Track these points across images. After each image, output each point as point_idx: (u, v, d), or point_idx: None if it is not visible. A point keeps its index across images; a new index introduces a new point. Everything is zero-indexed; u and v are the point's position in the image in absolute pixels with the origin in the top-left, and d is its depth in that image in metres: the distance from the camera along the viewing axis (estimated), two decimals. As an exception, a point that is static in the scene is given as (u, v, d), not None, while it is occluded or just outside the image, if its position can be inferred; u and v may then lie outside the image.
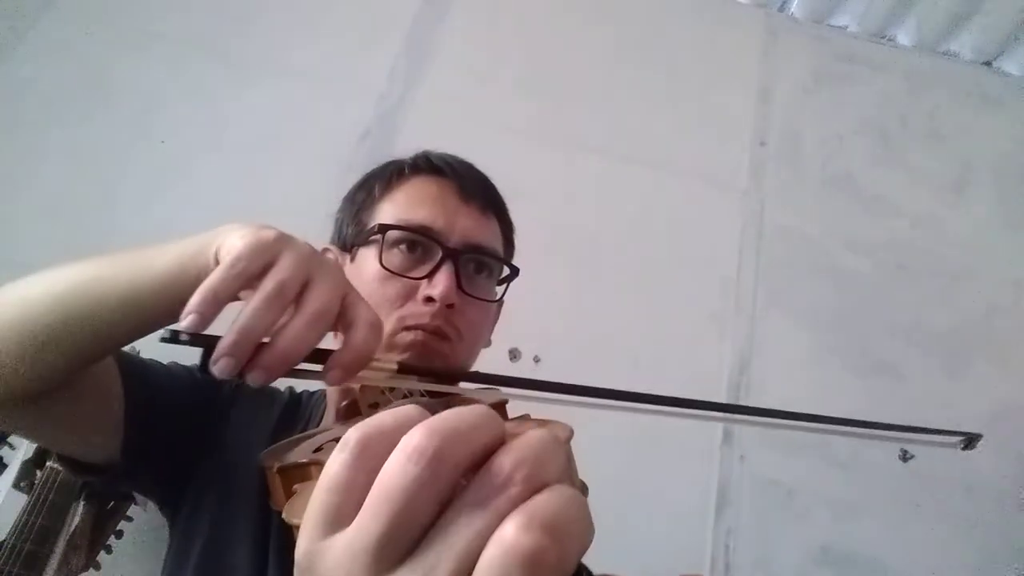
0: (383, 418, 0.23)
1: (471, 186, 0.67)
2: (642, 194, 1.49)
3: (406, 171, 0.68)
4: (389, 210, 0.65)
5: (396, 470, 0.21)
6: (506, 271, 0.69)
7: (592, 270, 1.38)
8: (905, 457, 1.31)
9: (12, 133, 1.34)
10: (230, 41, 1.50)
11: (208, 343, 0.34)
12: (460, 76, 1.55)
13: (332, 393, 0.67)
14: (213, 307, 0.35)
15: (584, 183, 1.46)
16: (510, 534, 0.19)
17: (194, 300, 0.35)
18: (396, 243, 0.62)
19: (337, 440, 0.43)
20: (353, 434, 0.22)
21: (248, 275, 0.37)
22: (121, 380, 0.58)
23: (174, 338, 0.34)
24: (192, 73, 1.45)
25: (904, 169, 1.60)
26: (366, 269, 0.63)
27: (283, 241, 0.39)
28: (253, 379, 0.35)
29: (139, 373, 0.60)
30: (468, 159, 0.73)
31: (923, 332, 1.43)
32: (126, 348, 0.54)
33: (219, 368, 0.34)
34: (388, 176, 0.68)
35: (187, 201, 1.33)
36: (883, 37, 1.76)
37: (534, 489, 0.21)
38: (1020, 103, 1.71)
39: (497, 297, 0.69)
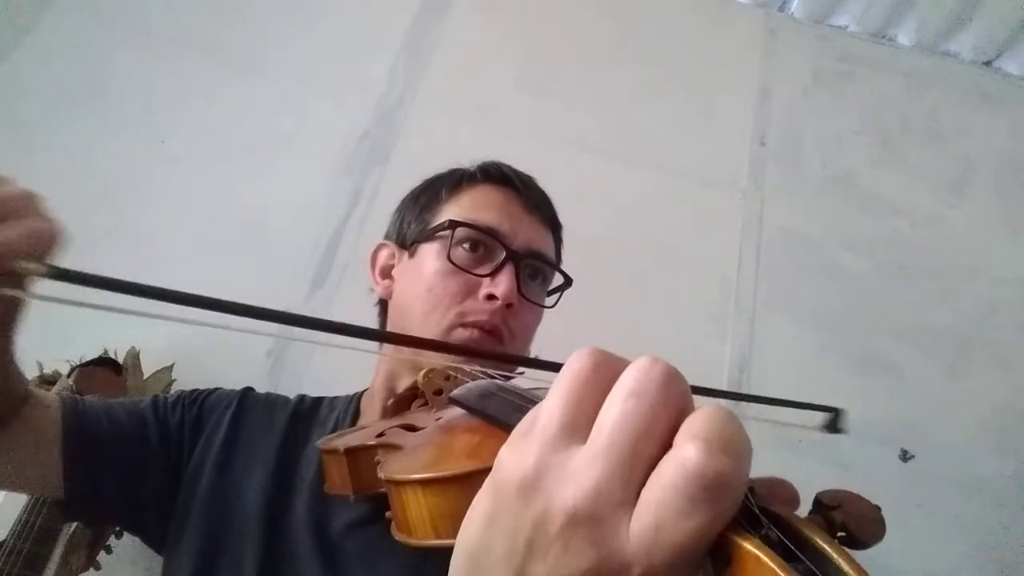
0: (595, 355, 0.26)
1: (535, 199, 0.71)
2: (642, 194, 1.49)
3: (477, 176, 0.70)
4: (454, 211, 0.67)
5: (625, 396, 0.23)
6: (555, 282, 0.73)
7: (592, 270, 1.37)
8: (905, 457, 1.31)
9: (12, 133, 1.34)
10: (230, 41, 1.50)
11: None
12: (460, 76, 1.55)
13: (378, 391, 0.69)
14: None
15: (584, 183, 1.45)
16: (692, 456, 0.20)
17: None
18: (461, 241, 0.65)
19: (399, 427, 0.46)
20: (578, 363, 0.26)
21: None
22: (61, 427, 0.58)
23: None
24: (192, 73, 1.45)
25: (904, 169, 1.60)
26: (427, 264, 0.66)
27: None
28: None
29: (78, 422, 0.60)
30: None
31: (923, 332, 1.43)
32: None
33: None
34: (456, 180, 0.71)
35: (187, 201, 1.33)
36: (883, 37, 1.76)
37: None
38: (1020, 103, 1.71)
39: (549, 305, 0.73)
